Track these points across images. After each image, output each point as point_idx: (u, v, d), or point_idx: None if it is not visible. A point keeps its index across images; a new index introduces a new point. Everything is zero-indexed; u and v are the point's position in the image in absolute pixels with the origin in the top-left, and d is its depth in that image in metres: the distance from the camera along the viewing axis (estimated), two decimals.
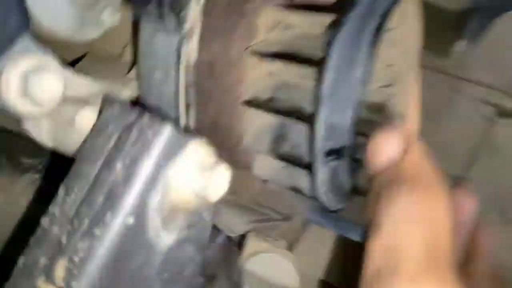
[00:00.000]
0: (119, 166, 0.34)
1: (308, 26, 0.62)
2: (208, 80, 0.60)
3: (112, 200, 0.33)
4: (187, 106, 0.47)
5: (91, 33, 0.61)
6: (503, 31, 0.88)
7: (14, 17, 0.31)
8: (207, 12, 0.62)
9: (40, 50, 0.34)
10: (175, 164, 0.33)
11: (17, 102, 0.33)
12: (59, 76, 0.35)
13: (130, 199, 0.33)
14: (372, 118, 0.74)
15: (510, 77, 0.97)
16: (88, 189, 0.33)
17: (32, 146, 0.46)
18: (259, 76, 0.59)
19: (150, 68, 0.48)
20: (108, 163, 0.34)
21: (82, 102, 0.39)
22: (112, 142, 0.34)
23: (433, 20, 0.77)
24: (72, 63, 0.64)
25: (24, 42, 0.33)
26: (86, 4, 0.58)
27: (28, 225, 0.52)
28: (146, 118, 0.34)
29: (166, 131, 0.33)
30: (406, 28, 0.71)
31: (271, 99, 0.56)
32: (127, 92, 0.49)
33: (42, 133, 0.40)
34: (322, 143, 0.52)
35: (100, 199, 0.33)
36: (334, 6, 0.54)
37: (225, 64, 0.58)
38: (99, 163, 0.34)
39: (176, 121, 0.46)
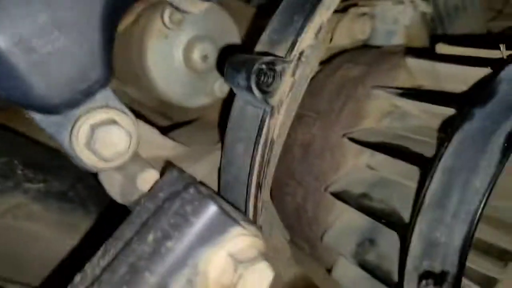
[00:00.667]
0: (150, 238, 0.30)
1: (426, 118, 0.54)
2: (301, 162, 0.55)
3: (133, 275, 0.29)
4: (258, 186, 0.42)
5: (202, 101, 0.63)
6: None
7: (97, 71, 0.33)
8: (311, 92, 0.59)
9: (118, 106, 0.35)
10: (209, 249, 0.29)
11: (83, 154, 0.34)
12: (127, 134, 0.35)
13: (151, 279, 0.29)
14: (503, 244, 0.59)
15: None
16: (116, 254, 0.31)
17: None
18: (356, 167, 0.52)
19: (234, 139, 0.46)
20: (142, 232, 0.31)
21: (148, 163, 0.39)
22: (154, 207, 0.32)
23: None
24: (183, 124, 0.66)
25: (104, 96, 0.34)
26: (199, 74, 0.60)
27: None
28: (191, 190, 0.30)
29: (208, 211, 0.29)
30: None
31: (364, 195, 0.48)
32: (211, 158, 0.48)
33: (114, 188, 0.40)
34: (416, 261, 0.42)
35: (123, 269, 0.30)
36: (463, 97, 0.45)
37: (322, 148, 0.53)
38: (135, 227, 0.32)
39: (244, 200, 0.42)
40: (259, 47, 0.47)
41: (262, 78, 0.40)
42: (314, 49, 0.50)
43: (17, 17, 0.29)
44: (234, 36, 0.63)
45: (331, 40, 0.59)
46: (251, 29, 0.65)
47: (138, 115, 0.56)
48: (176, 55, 0.59)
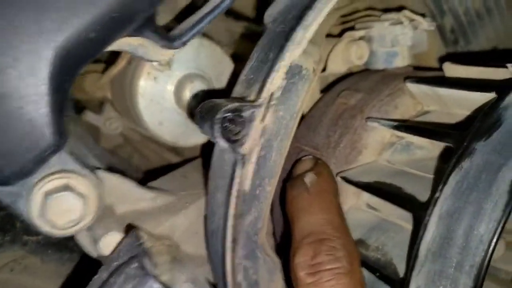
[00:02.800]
0: None
1: (432, 148, 0.48)
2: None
3: None
4: (234, 241, 0.40)
5: (196, 140, 0.61)
6: None
7: (46, 138, 0.32)
8: (310, 123, 0.56)
9: (76, 168, 0.34)
10: None
11: (38, 224, 0.33)
12: (81, 199, 0.34)
13: None
14: None
15: None
16: None
17: None
18: (357, 207, 0.48)
19: (214, 187, 0.43)
20: None
21: (116, 223, 0.37)
22: (102, 279, 0.30)
23: None
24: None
25: (60, 160, 0.33)
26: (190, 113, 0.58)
27: None
28: (134, 265, 0.28)
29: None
30: None
31: (360, 242, 0.43)
32: (198, 205, 0.45)
33: (87, 246, 0.39)
34: None
35: None
36: (461, 130, 0.40)
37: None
38: None
39: (220, 261, 0.39)
40: (236, 88, 0.44)
41: (228, 126, 0.37)
42: (304, 81, 0.47)
43: None
44: (228, 70, 0.61)
45: (325, 68, 0.56)
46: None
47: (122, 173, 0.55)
48: (167, 96, 0.57)
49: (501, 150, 0.37)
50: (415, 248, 0.36)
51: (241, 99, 0.40)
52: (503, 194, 0.36)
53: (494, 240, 0.35)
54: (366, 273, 0.41)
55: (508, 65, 0.42)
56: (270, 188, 0.47)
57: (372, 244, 0.42)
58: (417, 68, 0.61)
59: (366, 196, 0.47)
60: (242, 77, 0.45)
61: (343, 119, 0.52)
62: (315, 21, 0.38)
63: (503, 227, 0.35)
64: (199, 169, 0.60)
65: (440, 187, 0.36)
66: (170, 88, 0.57)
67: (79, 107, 0.81)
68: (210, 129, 0.37)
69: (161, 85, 0.57)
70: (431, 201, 0.36)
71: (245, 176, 0.39)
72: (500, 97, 0.39)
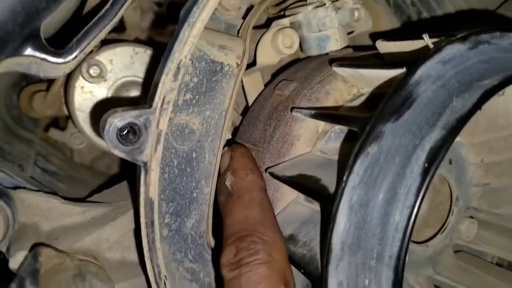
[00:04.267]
0: None
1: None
2: None
3: None
4: (149, 249, 0.39)
5: None
6: None
7: None
8: (250, 119, 0.54)
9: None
10: None
11: None
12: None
13: None
14: None
15: None
16: None
17: None
18: (295, 202, 0.46)
19: (135, 198, 0.42)
20: None
21: (29, 242, 0.37)
22: None
23: None
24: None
25: None
26: None
27: None
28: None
29: None
30: None
31: (290, 238, 0.41)
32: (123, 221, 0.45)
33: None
34: None
35: None
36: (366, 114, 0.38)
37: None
38: None
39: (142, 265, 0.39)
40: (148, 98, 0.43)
41: (124, 135, 0.36)
42: (228, 77, 0.45)
43: None
44: None
45: (254, 61, 0.54)
46: None
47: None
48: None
49: (415, 130, 0.35)
50: (326, 242, 0.34)
51: (141, 106, 0.39)
52: (416, 178, 0.34)
53: (409, 228, 0.33)
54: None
55: (424, 35, 0.40)
56: (209, 189, 0.46)
57: (301, 240, 0.41)
58: (359, 48, 0.59)
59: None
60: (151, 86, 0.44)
61: (278, 112, 0.50)
62: (199, 18, 0.37)
63: (417, 213, 0.33)
64: None
65: (344, 177, 0.34)
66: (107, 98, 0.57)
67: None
68: (107, 140, 0.36)
69: (98, 97, 0.57)
70: (337, 191, 0.34)
71: (150, 184, 0.37)
72: (409, 73, 0.36)
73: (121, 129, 0.36)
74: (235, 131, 0.57)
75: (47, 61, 0.37)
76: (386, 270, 0.34)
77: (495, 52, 0.39)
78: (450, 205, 0.54)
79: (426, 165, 0.33)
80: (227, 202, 0.42)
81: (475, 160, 0.53)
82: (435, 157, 0.33)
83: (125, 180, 0.59)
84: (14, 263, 0.36)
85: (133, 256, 0.46)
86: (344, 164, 0.35)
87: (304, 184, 0.39)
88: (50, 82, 0.63)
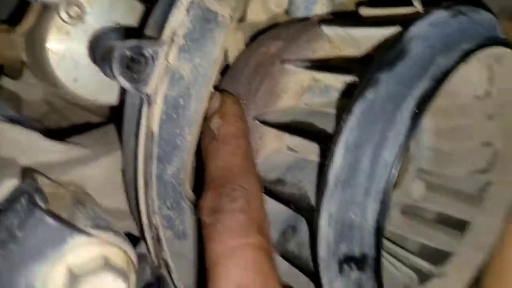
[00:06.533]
0: None
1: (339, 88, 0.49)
2: None
3: None
4: (146, 184, 0.39)
5: (113, 96, 0.59)
6: None
7: None
8: (233, 74, 0.55)
9: None
10: (45, 265, 0.25)
11: None
12: None
13: None
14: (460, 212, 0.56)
15: None
16: None
17: None
18: (278, 150, 0.48)
19: (128, 134, 0.42)
20: None
21: (13, 172, 0.36)
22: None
23: None
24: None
25: None
26: None
27: None
28: (23, 200, 0.27)
29: (36, 222, 0.26)
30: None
31: (278, 181, 0.44)
32: (112, 158, 0.44)
33: None
34: (333, 246, 0.38)
35: None
36: (365, 62, 0.41)
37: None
38: None
39: (136, 202, 0.39)
40: (146, 32, 0.43)
41: (130, 65, 0.36)
42: (220, 28, 0.46)
43: None
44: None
45: (243, 17, 0.55)
46: None
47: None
48: (81, 51, 0.55)
49: (406, 81, 0.39)
50: (323, 176, 0.37)
51: (143, 38, 0.38)
52: (406, 122, 0.37)
53: (397, 164, 0.37)
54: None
55: (414, 2, 0.44)
56: (191, 137, 0.46)
57: (289, 181, 0.43)
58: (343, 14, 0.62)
59: (287, 139, 0.48)
60: (151, 21, 0.44)
61: (264, 67, 0.52)
62: None
63: (405, 151, 0.37)
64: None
65: (344, 116, 0.37)
66: (84, 42, 0.55)
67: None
68: (109, 70, 0.36)
69: (74, 40, 0.54)
70: (337, 132, 0.37)
71: (152, 117, 0.38)
72: (404, 30, 0.40)
73: (129, 57, 0.35)
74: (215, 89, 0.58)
75: None
76: (373, 204, 0.37)
77: (469, 23, 0.44)
78: (405, 164, 0.60)
79: (416, 111, 0.37)
80: (212, 146, 0.43)
81: (430, 124, 0.59)
82: (424, 103, 0.37)
83: (97, 128, 0.57)
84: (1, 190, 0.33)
85: (115, 201, 0.46)
86: (340, 111, 0.38)
87: (300, 128, 0.41)
88: (11, 23, 0.59)
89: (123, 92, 0.50)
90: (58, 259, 0.26)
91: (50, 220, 0.26)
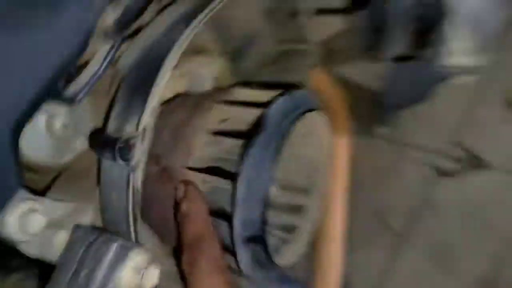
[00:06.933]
0: (82, 274, 0.50)
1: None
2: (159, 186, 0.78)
3: None
4: (134, 219, 0.64)
5: (66, 158, 0.79)
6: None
7: (12, 176, 0.49)
8: (158, 135, 0.82)
9: (33, 198, 0.53)
10: (121, 268, 0.50)
11: (16, 237, 0.52)
12: (43, 215, 0.53)
13: None
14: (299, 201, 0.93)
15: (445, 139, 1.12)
16: None
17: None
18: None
19: (108, 190, 0.66)
20: (75, 273, 0.50)
21: (58, 225, 0.57)
22: (78, 257, 0.51)
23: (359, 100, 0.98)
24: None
25: (21, 195, 0.51)
26: (64, 137, 0.77)
27: None
28: (102, 237, 0.51)
29: (113, 247, 0.51)
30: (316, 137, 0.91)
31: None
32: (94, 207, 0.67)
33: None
34: (240, 234, 0.71)
35: None
36: (249, 131, 0.73)
37: (170, 176, 0.77)
38: (70, 273, 0.51)
39: (127, 230, 0.64)
40: (111, 124, 0.67)
41: (123, 151, 0.61)
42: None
43: None
44: None
45: None
46: None
47: None
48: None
49: (266, 145, 0.73)
50: (236, 195, 0.69)
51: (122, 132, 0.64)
52: (271, 160, 0.72)
53: (272, 181, 0.71)
54: None
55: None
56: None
57: (211, 200, 0.73)
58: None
59: (202, 176, 0.78)
60: (114, 116, 0.68)
61: (179, 128, 0.80)
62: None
63: (273, 176, 0.72)
64: (72, 180, 0.78)
65: (242, 161, 0.69)
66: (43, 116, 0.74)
67: None
68: (111, 156, 0.60)
69: None
70: (239, 172, 0.70)
71: (137, 178, 0.63)
72: (265, 111, 0.74)
73: (121, 147, 0.61)
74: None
75: None
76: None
77: (296, 99, 0.81)
78: None
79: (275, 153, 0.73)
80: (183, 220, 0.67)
81: None
82: (278, 150, 0.73)
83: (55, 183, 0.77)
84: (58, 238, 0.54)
85: None
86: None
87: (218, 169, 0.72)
88: None
89: None
90: (126, 265, 0.50)
91: (121, 245, 0.50)
